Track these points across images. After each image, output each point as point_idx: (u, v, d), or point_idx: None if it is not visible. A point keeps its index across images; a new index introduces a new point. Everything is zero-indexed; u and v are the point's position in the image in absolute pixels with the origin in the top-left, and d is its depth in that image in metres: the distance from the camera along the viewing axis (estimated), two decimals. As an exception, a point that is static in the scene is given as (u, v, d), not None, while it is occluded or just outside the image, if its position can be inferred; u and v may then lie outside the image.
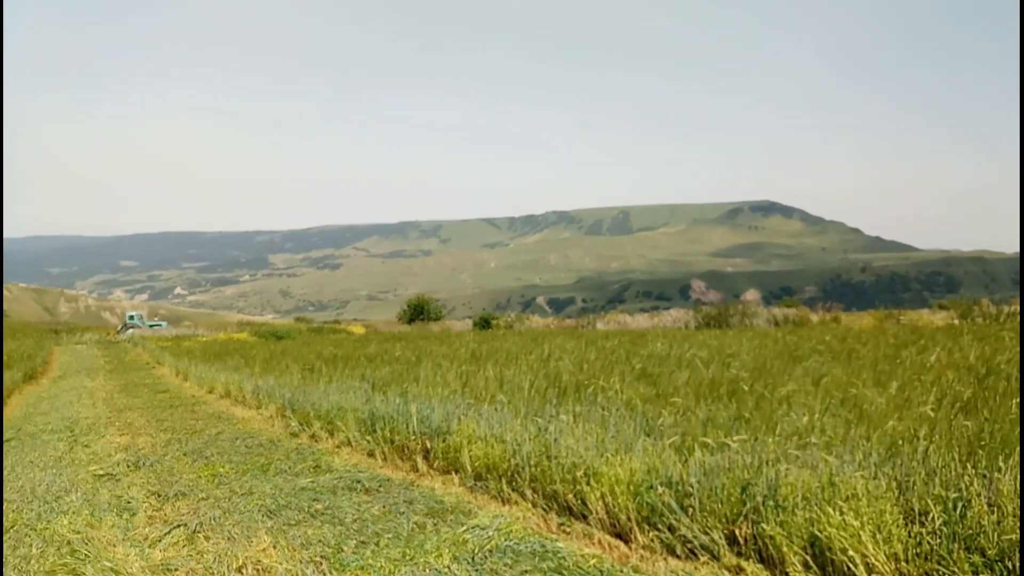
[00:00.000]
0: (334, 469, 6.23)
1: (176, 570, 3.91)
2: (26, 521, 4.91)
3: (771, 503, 3.87)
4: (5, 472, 6.63)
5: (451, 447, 5.97)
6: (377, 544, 4.20)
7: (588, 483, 4.60)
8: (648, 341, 15.96)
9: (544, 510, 4.72)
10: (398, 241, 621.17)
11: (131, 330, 58.46)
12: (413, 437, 6.52)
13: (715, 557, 3.80)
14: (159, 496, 5.51)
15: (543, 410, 6.41)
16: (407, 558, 3.95)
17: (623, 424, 5.65)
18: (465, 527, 4.43)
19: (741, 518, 3.90)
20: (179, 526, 4.68)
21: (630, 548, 4.06)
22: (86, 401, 12.27)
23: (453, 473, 5.72)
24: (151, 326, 63.71)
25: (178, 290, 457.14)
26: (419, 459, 6.15)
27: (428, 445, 6.30)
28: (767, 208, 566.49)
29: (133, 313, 65.88)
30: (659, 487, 4.26)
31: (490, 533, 4.28)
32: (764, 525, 3.77)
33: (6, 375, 14.96)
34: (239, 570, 3.87)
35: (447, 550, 4.03)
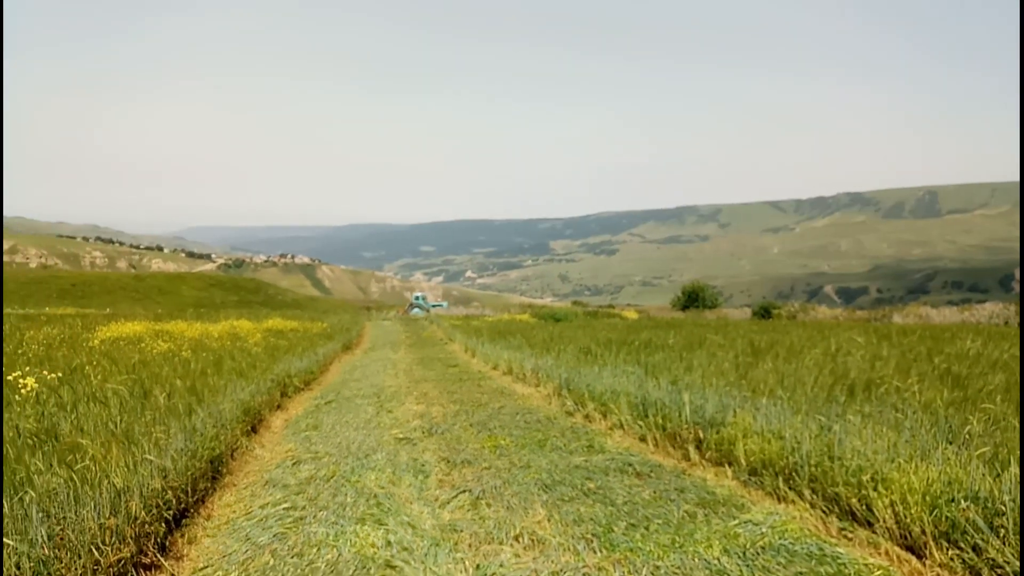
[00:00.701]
0: (606, 450, 6.39)
1: (461, 532, 4.28)
2: (343, 474, 5.68)
3: (1110, 535, 3.29)
4: (328, 428, 7.73)
5: (725, 439, 5.84)
6: (647, 528, 4.26)
7: (875, 488, 4.25)
8: (955, 338, 14.19)
9: (823, 512, 4.44)
10: (674, 226, 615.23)
11: (416, 309, 66.07)
12: (685, 426, 6.46)
13: (1032, 588, 3.33)
14: (448, 462, 6.05)
15: (827, 408, 6.03)
16: (676, 545, 3.96)
17: (919, 429, 5.13)
18: (737, 521, 4.33)
19: (1068, 548, 3.37)
20: (464, 491, 5.12)
21: (923, 564, 3.69)
22: (390, 371, 13.78)
23: (726, 465, 5.58)
24: (433, 306, 71.45)
25: (469, 273, 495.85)
26: (691, 448, 6.09)
27: (700, 435, 6.21)
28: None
29: (419, 294, 74.43)
30: (962, 501, 3.82)
31: (763, 530, 4.14)
32: (1099, 559, 3.22)
33: (330, 345, 17.38)
34: (516, 538, 4.14)
35: (717, 542, 3.97)
